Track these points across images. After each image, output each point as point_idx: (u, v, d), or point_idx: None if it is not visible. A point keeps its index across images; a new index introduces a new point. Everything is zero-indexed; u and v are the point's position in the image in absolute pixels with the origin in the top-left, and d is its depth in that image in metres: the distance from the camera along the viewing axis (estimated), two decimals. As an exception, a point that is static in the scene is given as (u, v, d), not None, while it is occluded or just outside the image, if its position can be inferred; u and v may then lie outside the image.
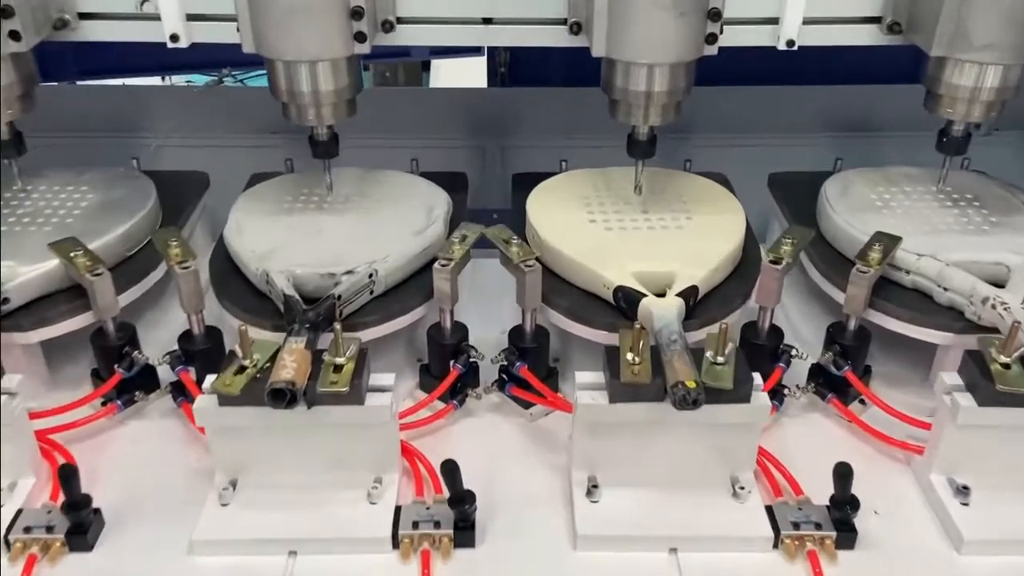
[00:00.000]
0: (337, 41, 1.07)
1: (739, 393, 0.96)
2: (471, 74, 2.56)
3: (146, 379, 1.15)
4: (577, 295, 1.14)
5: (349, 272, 1.11)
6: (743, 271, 1.19)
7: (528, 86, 2.02)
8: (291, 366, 0.94)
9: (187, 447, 1.12)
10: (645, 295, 1.07)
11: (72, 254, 1.11)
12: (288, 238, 1.18)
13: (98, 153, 1.63)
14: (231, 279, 1.17)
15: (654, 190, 1.28)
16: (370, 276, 1.11)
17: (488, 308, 1.32)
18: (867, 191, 1.29)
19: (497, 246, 1.12)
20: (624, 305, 1.09)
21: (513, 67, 2.11)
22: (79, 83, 2.17)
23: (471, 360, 1.14)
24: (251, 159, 1.53)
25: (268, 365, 0.97)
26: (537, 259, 1.10)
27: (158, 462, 1.10)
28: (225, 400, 0.95)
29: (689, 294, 1.08)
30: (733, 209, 1.25)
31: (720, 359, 0.97)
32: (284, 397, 0.92)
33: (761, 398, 0.98)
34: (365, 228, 1.20)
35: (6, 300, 1.08)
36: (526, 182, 1.38)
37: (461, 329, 1.15)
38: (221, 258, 1.20)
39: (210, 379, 0.97)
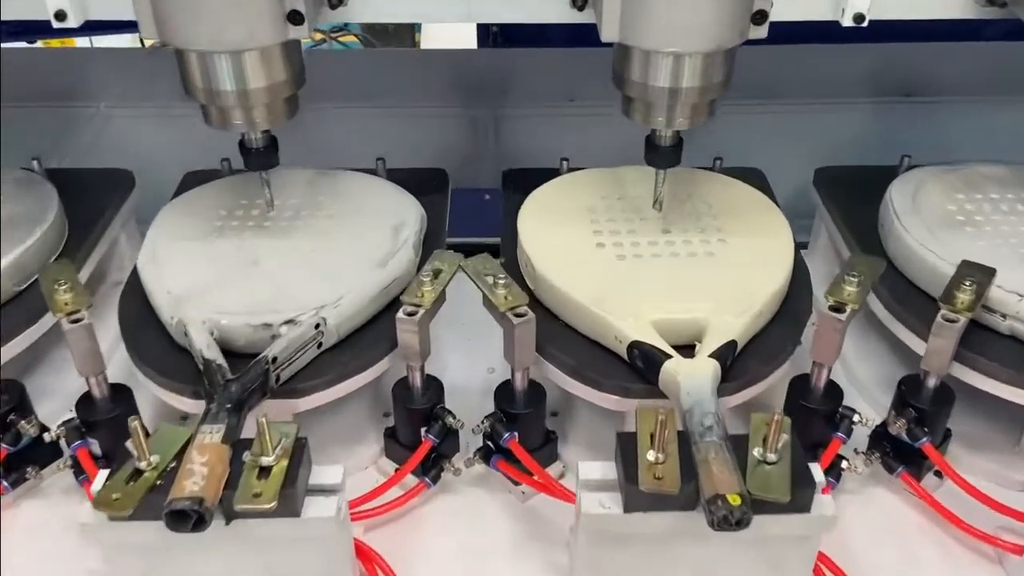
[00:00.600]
0: (265, 24, 0.81)
1: (797, 503, 0.72)
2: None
3: (41, 451, 0.92)
4: (581, 345, 0.90)
5: (290, 322, 0.87)
6: (790, 308, 0.94)
7: (524, 46, 1.74)
8: (200, 472, 0.71)
9: (92, 540, 0.89)
10: (669, 355, 0.83)
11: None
12: (215, 272, 0.93)
13: (29, 126, 1.39)
14: (147, 324, 0.92)
15: (677, 198, 1.03)
16: (317, 326, 0.87)
17: (473, 336, 1.09)
18: (944, 199, 1.03)
19: (478, 285, 0.87)
20: (642, 365, 0.85)
21: (507, 25, 1.82)
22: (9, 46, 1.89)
23: (448, 427, 0.91)
24: (207, 134, 1.27)
25: (174, 464, 0.73)
26: (534, 299, 0.87)
27: (56, 561, 0.88)
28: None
29: (726, 353, 0.84)
30: (777, 226, 0.99)
31: (772, 456, 0.74)
32: (188, 519, 0.68)
33: (824, 504, 0.74)
34: (313, 257, 0.95)
35: None
36: (519, 181, 1.13)
37: (435, 388, 0.91)
38: (135, 295, 0.95)
39: (99, 481, 0.74)
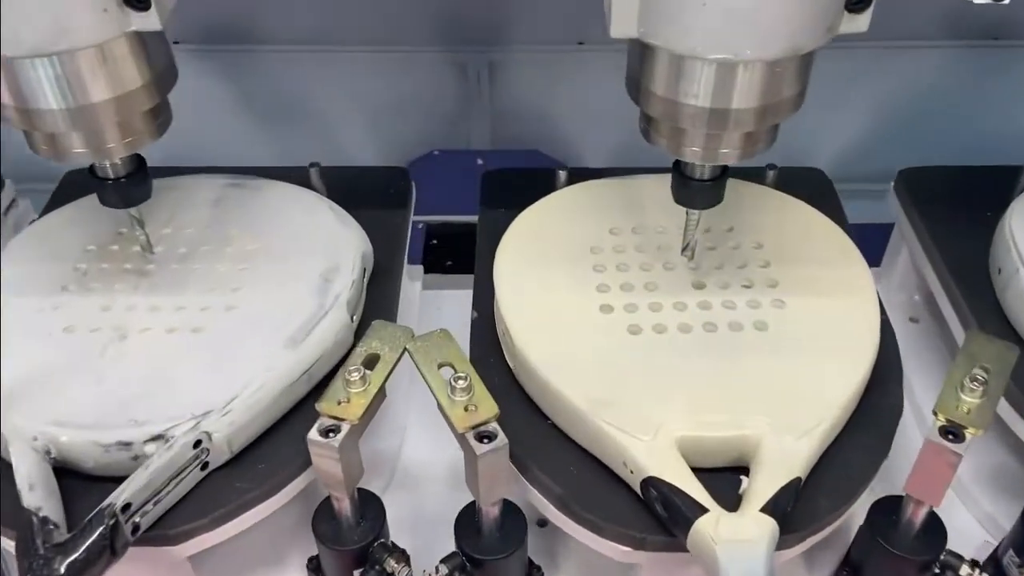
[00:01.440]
0: (85, 13, 0.53)
1: None
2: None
3: None
4: (578, 459, 0.64)
5: (158, 438, 0.61)
6: (871, 403, 0.67)
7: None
8: None
9: None
10: (705, 510, 0.56)
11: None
12: (64, 355, 0.66)
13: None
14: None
15: (715, 232, 0.75)
16: (198, 443, 0.61)
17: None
18: (1088, 234, 0.74)
19: (428, 385, 0.61)
20: (662, 512, 0.58)
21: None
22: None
23: (390, 573, 0.65)
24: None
25: None
26: (514, 380, 0.61)
27: None
28: None
29: (785, 500, 0.57)
30: (855, 276, 0.71)
31: None
32: None
33: None
34: (202, 331, 0.68)
35: None
36: (501, 190, 0.85)
37: (371, 515, 0.66)
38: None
39: None
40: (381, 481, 0.78)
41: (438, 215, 1.26)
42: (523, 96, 1.28)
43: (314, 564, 0.69)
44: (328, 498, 0.65)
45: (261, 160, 0.87)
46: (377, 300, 0.75)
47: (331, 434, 0.59)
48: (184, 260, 0.74)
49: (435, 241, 1.23)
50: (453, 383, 0.59)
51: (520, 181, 0.85)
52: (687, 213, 0.67)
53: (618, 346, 0.65)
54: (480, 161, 1.33)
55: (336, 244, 0.75)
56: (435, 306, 0.95)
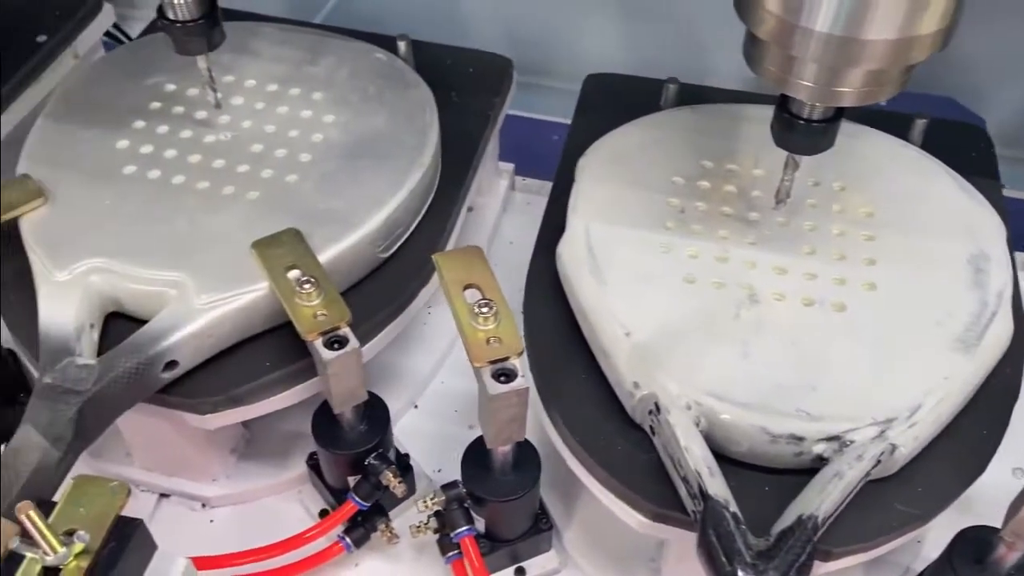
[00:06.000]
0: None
1: None
2: None
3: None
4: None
5: (832, 440, 0.52)
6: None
7: None
8: None
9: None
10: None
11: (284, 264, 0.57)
12: (690, 311, 0.58)
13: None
14: (568, 366, 0.59)
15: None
16: (880, 456, 0.52)
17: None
18: None
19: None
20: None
21: None
22: None
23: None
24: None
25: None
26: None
27: None
28: None
29: None
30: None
31: None
32: None
33: None
34: (845, 309, 0.58)
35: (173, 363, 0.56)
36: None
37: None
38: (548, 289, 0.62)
39: None
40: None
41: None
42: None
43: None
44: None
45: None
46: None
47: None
48: (790, 214, 0.63)
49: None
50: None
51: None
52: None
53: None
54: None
55: (970, 222, 0.63)
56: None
